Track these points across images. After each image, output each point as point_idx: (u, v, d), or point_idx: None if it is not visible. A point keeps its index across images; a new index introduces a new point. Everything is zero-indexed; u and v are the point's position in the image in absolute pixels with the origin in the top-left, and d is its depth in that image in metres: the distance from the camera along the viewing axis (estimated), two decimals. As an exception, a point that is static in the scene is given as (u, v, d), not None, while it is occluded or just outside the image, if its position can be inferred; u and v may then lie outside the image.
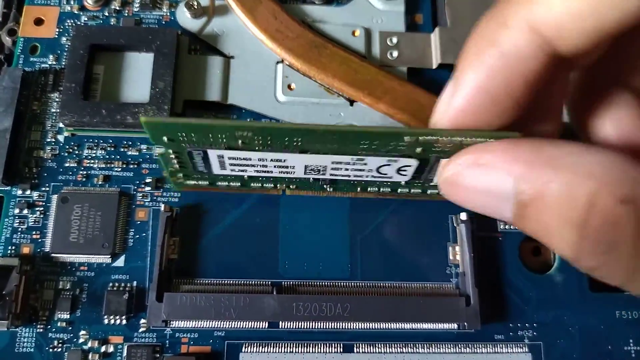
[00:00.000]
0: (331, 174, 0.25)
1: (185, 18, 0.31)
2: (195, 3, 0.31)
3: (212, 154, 0.23)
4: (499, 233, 0.30)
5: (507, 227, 0.30)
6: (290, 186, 0.28)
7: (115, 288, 0.27)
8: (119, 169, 0.29)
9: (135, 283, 0.27)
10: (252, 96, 0.30)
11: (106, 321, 0.27)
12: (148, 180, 0.29)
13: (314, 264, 0.28)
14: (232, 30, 0.31)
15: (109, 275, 0.27)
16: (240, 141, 0.22)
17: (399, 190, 0.27)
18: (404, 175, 0.25)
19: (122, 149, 0.29)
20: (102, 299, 0.27)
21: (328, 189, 0.27)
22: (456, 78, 0.17)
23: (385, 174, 0.25)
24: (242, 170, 0.25)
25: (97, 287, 0.27)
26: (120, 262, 0.28)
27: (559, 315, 0.29)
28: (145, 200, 0.29)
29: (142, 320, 0.27)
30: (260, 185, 0.27)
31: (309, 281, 0.28)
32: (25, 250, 0.28)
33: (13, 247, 0.28)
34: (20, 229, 0.28)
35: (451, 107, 0.18)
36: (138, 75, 0.30)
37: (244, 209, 0.29)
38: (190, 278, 0.27)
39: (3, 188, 0.28)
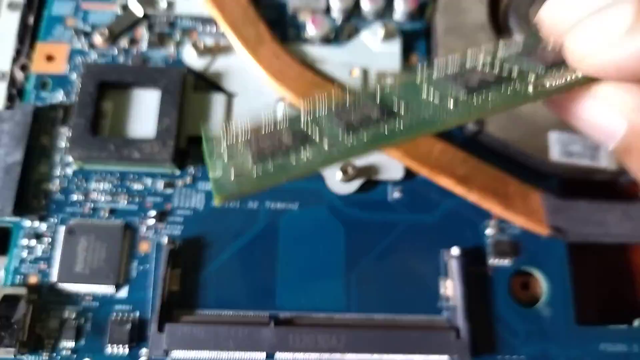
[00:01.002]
0: None
1: (190, 57, 0.33)
2: (201, 43, 0.32)
3: None
4: (489, 267, 0.31)
5: (497, 262, 0.31)
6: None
7: (118, 318, 0.28)
8: (125, 202, 0.30)
9: (137, 313, 0.28)
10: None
11: (109, 350, 0.27)
12: (152, 213, 0.30)
13: (311, 296, 0.29)
14: (236, 69, 0.32)
15: (112, 305, 0.28)
16: None
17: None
18: None
19: (127, 183, 0.31)
20: (105, 328, 0.28)
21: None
22: None
23: None
24: None
25: (101, 317, 0.28)
26: (123, 292, 0.29)
27: (547, 347, 0.30)
28: (149, 233, 0.30)
29: (144, 350, 0.28)
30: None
31: (305, 313, 0.29)
32: (33, 280, 0.29)
33: (21, 277, 0.29)
34: (28, 260, 0.29)
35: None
36: (144, 112, 0.31)
37: (244, 242, 0.30)
38: (191, 309, 0.28)
39: (12, 219, 0.30)
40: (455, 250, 0.30)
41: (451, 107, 0.19)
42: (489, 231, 0.31)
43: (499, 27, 0.34)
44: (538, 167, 0.32)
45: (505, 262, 0.31)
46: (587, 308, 0.32)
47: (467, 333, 0.28)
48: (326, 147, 0.18)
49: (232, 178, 0.18)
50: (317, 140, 0.18)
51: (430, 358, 0.28)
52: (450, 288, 0.30)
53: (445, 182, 0.30)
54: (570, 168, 0.32)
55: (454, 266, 0.29)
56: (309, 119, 0.19)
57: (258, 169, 0.18)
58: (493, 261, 0.31)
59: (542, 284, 0.31)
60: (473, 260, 0.30)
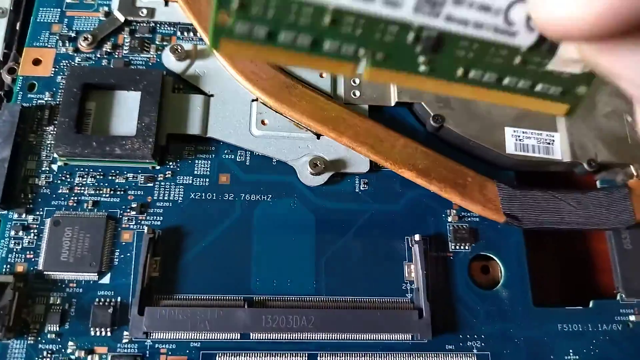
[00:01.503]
0: (447, 16, 0.18)
1: (170, 60, 0.35)
2: (179, 47, 0.34)
3: None
4: (449, 253, 0.33)
5: (457, 247, 0.33)
6: (377, 55, 0.18)
7: (101, 303, 0.30)
8: (107, 195, 0.32)
9: (119, 298, 0.30)
10: (229, 130, 0.33)
11: (92, 333, 0.29)
12: (133, 205, 0.32)
13: (283, 280, 0.31)
14: (212, 71, 0.35)
15: (95, 291, 0.30)
16: None
17: (506, 80, 0.20)
18: (532, 30, 0.18)
19: (110, 177, 0.33)
20: (89, 313, 0.29)
21: (422, 67, 0.19)
22: None
23: (513, 25, 0.18)
24: None
25: (84, 302, 0.30)
26: (106, 279, 0.30)
27: (505, 327, 0.32)
28: (130, 223, 0.32)
29: (125, 333, 0.29)
30: (336, 48, 0.18)
31: (278, 296, 0.31)
32: (20, 268, 0.30)
33: (8, 266, 0.30)
34: (15, 249, 0.31)
35: None
36: (126, 111, 0.33)
37: (220, 231, 0.32)
38: (170, 294, 0.30)
39: (0, 212, 0.31)
40: (417, 237, 0.32)
41: None
42: (449, 219, 0.33)
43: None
44: (495, 160, 0.35)
45: (465, 247, 0.33)
46: (546, 291, 0.34)
47: (429, 313, 0.30)
48: None
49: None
50: None
51: (395, 337, 0.30)
52: (414, 272, 0.32)
53: (408, 174, 0.33)
54: (526, 160, 0.34)
55: (417, 251, 0.32)
56: None
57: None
58: (454, 247, 0.33)
59: (500, 268, 0.33)
60: (435, 246, 0.33)
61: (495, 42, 0.19)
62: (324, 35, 0.18)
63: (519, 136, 0.35)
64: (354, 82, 0.35)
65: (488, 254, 0.33)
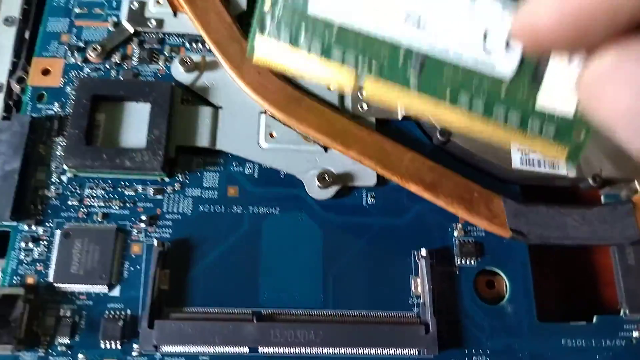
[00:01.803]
0: (430, 44, 0.21)
1: (179, 72, 0.35)
2: (189, 59, 0.34)
3: None
4: (455, 267, 0.33)
5: (463, 262, 0.33)
6: (373, 65, 0.22)
7: (111, 316, 0.30)
8: (117, 208, 0.32)
9: (129, 311, 0.30)
10: (237, 142, 0.34)
11: (102, 346, 0.29)
12: (143, 217, 0.32)
13: (291, 293, 0.32)
14: (221, 83, 0.35)
15: (105, 304, 0.30)
16: None
17: (494, 110, 0.21)
18: (512, 55, 0.20)
19: (119, 189, 0.33)
20: (99, 325, 0.30)
21: (413, 80, 0.22)
22: None
23: (491, 48, 0.20)
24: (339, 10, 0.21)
25: (94, 315, 0.30)
26: (116, 292, 0.31)
27: (510, 342, 0.32)
28: (140, 236, 0.32)
29: (135, 345, 0.30)
30: (341, 55, 0.22)
31: (286, 310, 0.31)
32: (30, 280, 0.31)
33: (18, 278, 0.31)
34: (25, 261, 0.31)
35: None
36: (135, 123, 0.33)
37: (229, 244, 0.32)
38: (179, 307, 0.30)
39: (11, 223, 0.31)
40: (424, 251, 0.32)
41: None
42: (455, 233, 0.34)
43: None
44: (501, 174, 0.35)
45: (471, 262, 0.33)
46: (549, 306, 0.34)
47: (436, 328, 0.30)
48: None
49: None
50: None
51: (401, 352, 0.31)
52: (420, 286, 0.32)
53: (415, 189, 0.33)
54: (532, 175, 0.35)
55: (423, 266, 0.32)
56: None
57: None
58: (459, 261, 0.33)
59: (505, 283, 0.33)
60: (441, 260, 0.33)
61: (478, 71, 0.20)
62: (331, 45, 0.21)
63: (525, 151, 0.35)
64: (361, 94, 0.35)
65: (493, 269, 0.33)
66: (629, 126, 0.14)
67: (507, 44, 0.20)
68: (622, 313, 0.33)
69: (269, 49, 0.22)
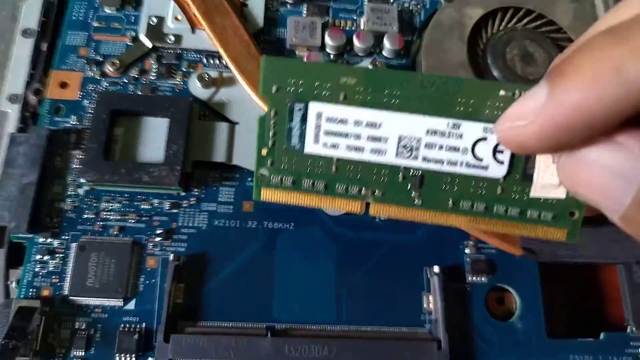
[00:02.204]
0: (424, 157, 0.23)
1: (196, 88, 0.35)
2: (206, 75, 0.35)
3: (312, 110, 0.23)
4: (467, 284, 0.34)
5: (474, 278, 0.34)
6: (376, 192, 0.24)
7: (126, 329, 0.30)
8: (133, 221, 0.33)
9: (144, 325, 0.30)
10: (254, 158, 0.34)
11: (117, 359, 0.29)
12: (159, 231, 0.32)
13: (305, 308, 0.32)
14: (238, 99, 0.35)
15: (120, 317, 0.30)
16: (342, 93, 0.22)
17: (495, 209, 0.24)
18: (500, 162, 0.23)
19: (136, 203, 0.33)
20: (114, 338, 0.30)
21: (416, 200, 0.24)
22: (557, 91, 0.16)
23: (482, 160, 0.23)
24: (334, 146, 0.24)
25: (109, 328, 0.30)
26: (131, 305, 0.31)
27: (520, 358, 0.32)
28: (156, 249, 0.32)
29: (150, 359, 0.30)
30: (345, 189, 0.25)
31: (300, 325, 0.31)
32: (45, 293, 0.31)
33: (34, 290, 0.31)
34: (41, 274, 0.31)
35: (546, 118, 0.17)
36: (153, 137, 0.33)
37: (243, 259, 0.32)
38: (194, 321, 0.31)
39: (27, 236, 0.32)
40: (436, 268, 0.32)
41: None
42: (467, 251, 0.34)
43: (478, 65, 0.37)
44: (512, 193, 0.35)
45: (482, 279, 0.34)
46: (558, 322, 0.35)
47: (447, 344, 0.31)
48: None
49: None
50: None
51: (414, 367, 0.31)
52: (432, 302, 0.32)
53: (428, 206, 0.33)
54: (541, 194, 0.35)
55: (435, 282, 0.32)
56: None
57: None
58: (471, 278, 0.34)
59: (515, 299, 0.34)
60: (453, 277, 0.33)
61: (472, 176, 0.23)
62: (334, 180, 0.24)
63: (535, 170, 0.35)
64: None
65: (504, 286, 0.34)
66: (606, 198, 0.17)
67: (495, 151, 0.22)
68: (628, 330, 0.34)
69: (274, 195, 0.25)
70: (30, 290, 0.31)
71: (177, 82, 0.36)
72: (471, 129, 0.22)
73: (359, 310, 0.32)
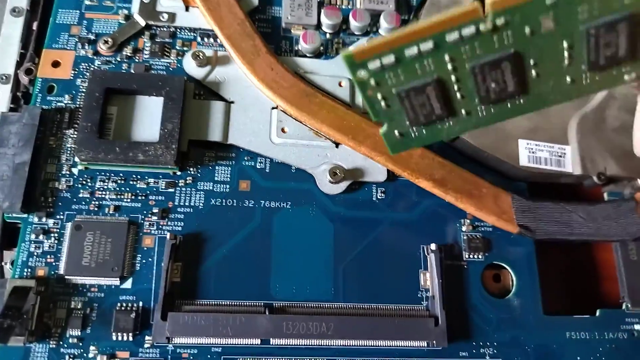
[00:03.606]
0: None
1: (191, 66, 0.35)
2: (201, 53, 0.35)
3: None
4: (464, 262, 0.34)
5: (471, 256, 0.34)
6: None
7: (123, 308, 0.30)
8: (129, 200, 0.32)
9: (141, 303, 0.30)
10: (249, 137, 0.34)
11: (114, 338, 0.29)
12: (155, 210, 0.32)
13: (302, 287, 0.32)
14: (233, 78, 0.35)
15: (117, 296, 0.30)
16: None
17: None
18: None
19: (131, 182, 0.33)
20: (111, 317, 0.30)
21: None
22: None
23: None
24: None
25: (106, 307, 0.30)
26: (128, 284, 0.31)
27: (516, 335, 0.33)
28: (152, 228, 0.32)
29: (147, 337, 0.30)
30: None
31: (297, 302, 0.31)
32: (40, 272, 0.30)
33: (29, 270, 0.30)
34: (35, 253, 0.31)
35: None
36: (147, 116, 0.33)
37: (240, 238, 0.32)
38: (192, 299, 0.31)
39: (21, 216, 0.31)
40: (433, 246, 0.32)
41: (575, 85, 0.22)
42: (463, 229, 0.34)
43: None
44: (509, 171, 0.36)
45: (479, 256, 0.34)
46: (554, 299, 0.35)
47: (445, 321, 0.31)
48: (465, 117, 0.23)
49: (397, 138, 0.24)
50: (458, 110, 0.23)
51: (411, 343, 0.31)
52: (429, 280, 0.32)
53: (425, 184, 0.33)
54: (538, 172, 0.35)
55: (432, 260, 0.32)
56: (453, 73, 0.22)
57: (415, 132, 0.24)
58: (467, 256, 0.34)
59: (511, 277, 0.34)
60: (449, 255, 0.33)
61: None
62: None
63: (532, 149, 0.35)
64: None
65: (500, 264, 0.34)
66: None
67: None
68: (624, 307, 0.34)
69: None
70: (25, 270, 0.30)
71: (171, 61, 0.36)
72: None
73: (357, 288, 0.32)
